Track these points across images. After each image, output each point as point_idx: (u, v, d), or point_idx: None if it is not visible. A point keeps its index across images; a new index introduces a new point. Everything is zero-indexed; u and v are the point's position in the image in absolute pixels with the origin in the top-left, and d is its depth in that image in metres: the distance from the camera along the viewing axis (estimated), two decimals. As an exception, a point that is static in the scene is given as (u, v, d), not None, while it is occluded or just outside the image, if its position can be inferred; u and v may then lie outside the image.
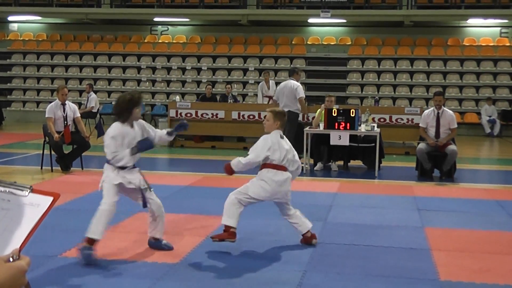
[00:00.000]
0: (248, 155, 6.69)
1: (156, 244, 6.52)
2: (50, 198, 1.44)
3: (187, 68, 22.86)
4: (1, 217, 1.40)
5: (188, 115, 15.96)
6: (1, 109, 21.13)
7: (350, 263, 6.15)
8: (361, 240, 7.00)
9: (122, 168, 6.29)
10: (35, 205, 1.42)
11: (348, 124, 11.50)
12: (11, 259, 1.33)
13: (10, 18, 24.04)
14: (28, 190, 1.43)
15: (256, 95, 21.69)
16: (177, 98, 17.61)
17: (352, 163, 12.81)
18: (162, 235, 6.55)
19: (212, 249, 6.57)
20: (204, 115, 15.90)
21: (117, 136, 6.26)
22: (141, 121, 6.55)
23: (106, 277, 5.65)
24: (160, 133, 6.67)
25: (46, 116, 11.62)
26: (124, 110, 6.28)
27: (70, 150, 11.87)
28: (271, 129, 6.72)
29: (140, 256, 6.28)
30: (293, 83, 13.23)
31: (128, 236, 7.07)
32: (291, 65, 22.19)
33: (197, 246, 6.68)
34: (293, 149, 6.84)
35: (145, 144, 6.30)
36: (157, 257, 6.22)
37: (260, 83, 17.37)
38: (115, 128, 6.30)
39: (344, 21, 22.00)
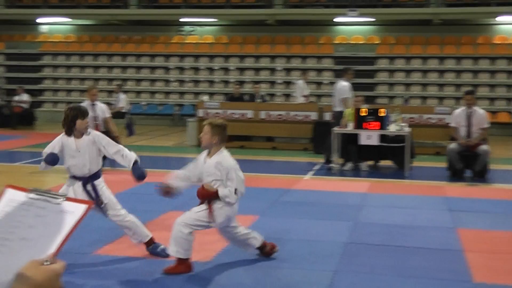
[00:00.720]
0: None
1: (151, 250, 6.25)
2: (84, 206, 1.46)
3: (215, 68, 22.91)
4: (37, 223, 1.43)
5: (217, 114, 15.99)
6: (33, 110, 21.39)
7: (381, 264, 6.11)
8: (392, 240, 6.95)
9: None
10: (69, 212, 1.45)
11: (377, 124, 11.44)
12: (46, 263, 1.35)
13: (40, 20, 24.31)
14: (62, 199, 1.46)
15: (286, 94, 21.70)
16: (206, 98, 17.65)
17: (382, 163, 12.74)
18: (146, 238, 6.21)
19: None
20: (232, 115, 15.92)
21: (55, 146, 6.21)
22: (103, 137, 6.25)
23: (138, 274, 5.69)
24: (126, 160, 6.18)
25: (77, 116, 11.69)
26: (67, 123, 6.14)
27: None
28: (209, 144, 5.92)
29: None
30: (341, 83, 13.14)
31: (160, 235, 7.09)
32: (317, 64, 22.16)
33: (227, 245, 6.68)
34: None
35: (50, 158, 6.16)
36: (188, 257, 6.23)
37: (299, 82, 17.28)
38: (55, 139, 6.24)
39: (372, 19, 21.87)
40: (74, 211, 1.45)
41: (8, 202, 1.49)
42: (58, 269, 1.36)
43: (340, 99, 13.02)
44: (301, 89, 16.87)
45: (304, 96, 16.73)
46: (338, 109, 12.96)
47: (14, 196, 1.50)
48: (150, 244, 6.26)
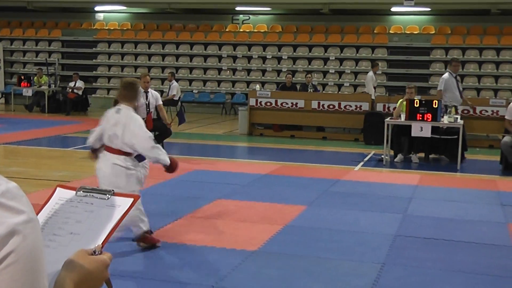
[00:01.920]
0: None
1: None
2: (131, 199, 1.50)
3: (267, 57, 22.89)
4: (85, 218, 1.47)
5: (268, 104, 16.00)
6: (87, 96, 21.77)
7: (429, 257, 6.04)
8: (442, 234, 6.85)
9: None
10: (116, 206, 1.49)
11: (430, 115, 11.27)
12: (95, 253, 1.39)
13: (96, 8, 24.68)
14: (110, 194, 1.51)
15: (338, 84, 21.57)
16: (257, 87, 17.67)
17: (434, 155, 12.55)
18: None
19: (290, 238, 6.59)
20: (283, 104, 15.90)
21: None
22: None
23: (185, 262, 5.75)
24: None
25: (130, 103, 11.88)
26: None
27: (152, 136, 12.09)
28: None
29: (219, 242, 6.35)
30: (445, 75, 12.88)
31: (207, 222, 7.16)
32: (379, 55, 21.93)
33: (275, 234, 6.70)
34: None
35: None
36: (236, 244, 6.28)
37: (369, 74, 17.15)
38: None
39: (428, 9, 21.48)
40: (121, 205, 1.49)
41: (57, 200, 1.54)
42: (105, 259, 1.39)
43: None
44: (372, 81, 16.78)
45: (375, 87, 16.66)
46: None
47: (63, 195, 1.55)
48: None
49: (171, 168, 6.00)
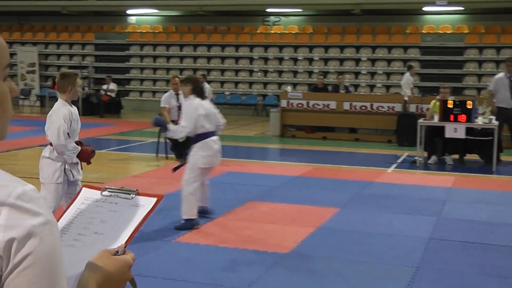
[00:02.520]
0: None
1: None
2: (154, 199, 1.50)
3: (299, 58, 22.84)
4: (110, 218, 1.48)
5: (300, 105, 15.95)
6: (120, 98, 21.96)
7: (464, 261, 5.94)
8: (477, 237, 6.74)
9: None
10: (140, 206, 1.49)
11: (464, 116, 11.12)
12: (118, 253, 1.38)
13: (129, 12, 24.88)
14: (134, 194, 1.51)
15: (370, 85, 21.43)
16: (289, 88, 17.63)
17: (468, 156, 12.37)
18: None
19: (322, 241, 6.54)
20: (315, 106, 15.84)
21: None
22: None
23: (218, 263, 5.74)
24: None
25: (161, 105, 11.98)
26: None
27: (184, 138, 12.13)
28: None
29: (251, 244, 6.34)
30: (498, 74, 12.66)
31: (239, 224, 7.15)
32: (404, 54, 21.73)
33: (307, 237, 6.67)
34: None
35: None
36: (268, 246, 6.26)
37: (406, 75, 17.03)
38: None
39: (461, 8, 21.23)
40: (145, 204, 1.49)
41: (83, 200, 1.55)
42: (128, 260, 1.39)
43: None
44: (409, 82, 16.65)
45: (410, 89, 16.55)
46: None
47: (89, 195, 1.56)
48: None
49: (82, 159, 5.89)
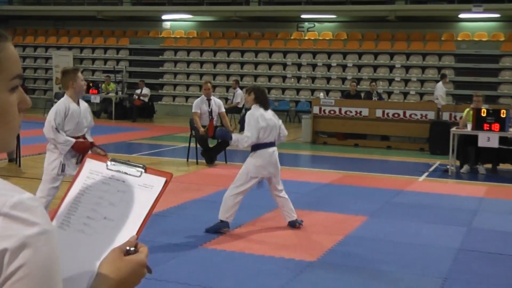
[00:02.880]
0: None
1: None
2: (163, 179, 1.42)
3: (332, 64, 22.76)
4: (119, 201, 1.40)
5: (332, 112, 15.88)
6: (153, 103, 22.12)
7: (494, 273, 5.84)
8: (508, 249, 6.62)
9: None
10: (149, 187, 1.41)
11: (498, 125, 10.96)
12: (129, 250, 1.34)
13: (163, 17, 25.08)
14: (142, 170, 1.43)
15: (404, 93, 21.25)
16: (321, 95, 17.57)
17: (502, 166, 12.17)
18: None
19: (350, 249, 6.49)
20: (347, 112, 15.76)
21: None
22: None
23: (244, 270, 5.73)
24: None
25: (193, 110, 12.03)
26: None
27: (215, 144, 12.19)
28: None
29: (277, 251, 6.31)
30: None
31: (266, 231, 7.14)
32: (439, 62, 21.51)
33: (335, 245, 6.62)
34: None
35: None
36: (295, 254, 6.23)
37: (439, 84, 16.87)
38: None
39: (498, 15, 20.94)
40: (153, 185, 1.41)
41: (88, 174, 1.47)
42: (142, 259, 1.35)
43: None
44: (442, 92, 16.47)
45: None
46: None
47: (94, 167, 1.48)
48: None
49: (78, 151, 6.15)
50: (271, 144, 7.04)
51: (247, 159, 7.08)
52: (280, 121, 7.24)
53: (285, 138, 7.52)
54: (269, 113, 7.07)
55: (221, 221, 6.92)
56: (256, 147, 6.98)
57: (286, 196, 7.19)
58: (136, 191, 1.41)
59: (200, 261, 6.01)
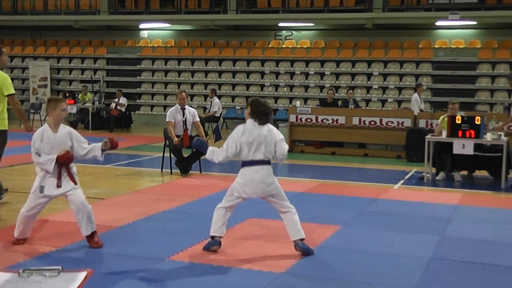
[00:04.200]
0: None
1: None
2: (84, 273, 1.38)
3: (310, 73, 22.73)
4: None
5: (309, 120, 15.82)
6: (130, 113, 21.95)
7: (465, 282, 5.76)
8: (480, 257, 6.55)
9: None
10: (68, 281, 1.37)
11: (472, 132, 10.94)
12: None
13: (141, 26, 24.95)
14: (58, 271, 1.39)
15: (382, 100, 21.26)
16: (298, 103, 17.50)
17: (477, 173, 12.16)
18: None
19: (320, 260, 6.39)
20: (324, 121, 15.71)
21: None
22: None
23: (211, 283, 5.60)
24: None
25: (167, 120, 11.94)
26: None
27: (189, 153, 12.06)
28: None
29: (246, 263, 6.19)
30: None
31: (236, 242, 7.02)
32: (417, 69, 21.55)
33: (305, 256, 6.51)
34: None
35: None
36: (264, 266, 6.11)
37: (414, 96, 16.81)
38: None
39: (474, 23, 21.05)
40: (74, 279, 1.37)
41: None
42: None
43: None
44: (417, 102, 16.43)
45: (420, 110, 16.27)
46: None
47: (3, 277, 1.42)
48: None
49: (64, 163, 6.56)
50: (259, 162, 6.46)
51: (237, 177, 6.66)
52: (279, 137, 6.56)
53: (285, 158, 6.73)
54: (263, 128, 6.46)
55: (211, 237, 6.60)
56: (242, 163, 6.54)
57: (289, 215, 6.67)
58: (56, 284, 1.36)
59: (166, 273, 5.87)
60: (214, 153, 6.63)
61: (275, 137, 6.53)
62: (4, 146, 8.75)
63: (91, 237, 6.60)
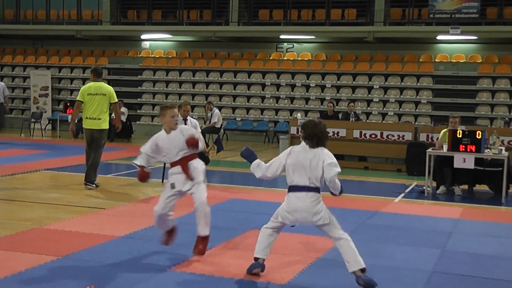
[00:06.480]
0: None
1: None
2: None
3: (311, 85, 22.79)
4: None
5: (309, 132, 15.81)
6: (131, 123, 21.97)
7: (466, 296, 5.77)
8: (481, 271, 6.56)
9: None
10: None
11: (473, 146, 10.96)
12: None
13: (143, 37, 25.03)
14: None
15: (383, 113, 21.29)
16: (299, 115, 17.53)
17: (478, 187, 12.17)
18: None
19: (321, 272, 6.40)
20: (325, 133, 15.69)
21: None
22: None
23: (212, 296, 5.62)
24: None
25: (169, 130, 11.90)
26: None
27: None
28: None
29: (248, 275, 6.19)
30: None
31: (237, 254, 7.02)
32: (418, 83, 21.61)
33: (306, 268, 6.53)
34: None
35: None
36: (265, 277, 6.12)
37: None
38: None
39: (475, 37, 21.13)
40: None
41: None
42: None
43: None
44: None
45: None
46: None
47: None
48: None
49: None
50: (303, 188, 5.97)
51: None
52: (328, 161, 6.00)
53: (336, 184, 6.16)
54: (312, 152, 6.02)
55: (254, 259, 6.20)
56: (288, 188, 6.07)
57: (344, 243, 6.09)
58: None
59: (169, 284, 5.87)
60: (257, 167, 6.33)
61: (322, 161, 5.98)
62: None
63: (200, 241, 6.75)
